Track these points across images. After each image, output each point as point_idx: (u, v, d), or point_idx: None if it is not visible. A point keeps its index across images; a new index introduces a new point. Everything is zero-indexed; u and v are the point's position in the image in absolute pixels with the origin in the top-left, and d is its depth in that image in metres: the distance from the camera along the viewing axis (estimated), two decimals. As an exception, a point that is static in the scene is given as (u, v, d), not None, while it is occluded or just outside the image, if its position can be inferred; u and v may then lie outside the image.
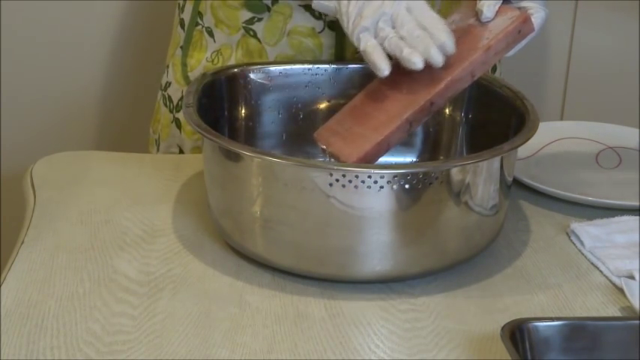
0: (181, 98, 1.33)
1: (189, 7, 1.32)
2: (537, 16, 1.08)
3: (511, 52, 1.08)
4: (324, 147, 1.08)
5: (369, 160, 1.04)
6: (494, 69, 1.35)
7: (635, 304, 0.98)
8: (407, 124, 1.05)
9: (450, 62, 1.04)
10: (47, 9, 1.68)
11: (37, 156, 1.27)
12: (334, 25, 1.24)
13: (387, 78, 1.09)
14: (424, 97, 1.04)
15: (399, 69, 1.09)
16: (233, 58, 1.28)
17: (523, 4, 1.09)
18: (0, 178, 1.75)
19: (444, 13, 1.26)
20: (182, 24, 1.34)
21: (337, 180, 0.96)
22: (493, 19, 1.07)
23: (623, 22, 1.69)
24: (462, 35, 1.07)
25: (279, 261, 1.02)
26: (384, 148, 1.05)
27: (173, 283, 1.01)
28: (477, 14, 1.08)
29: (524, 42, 1.08)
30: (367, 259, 1.00)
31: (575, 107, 1.75)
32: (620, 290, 1.01)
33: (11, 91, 1.72)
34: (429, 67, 1.05)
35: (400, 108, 1.05)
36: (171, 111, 1.36)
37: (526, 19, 1.05)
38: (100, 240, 1.08)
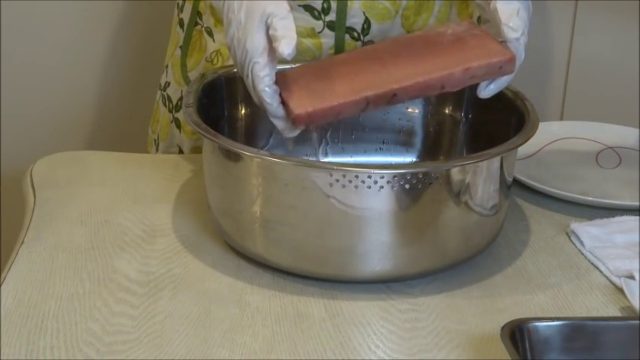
0: (181, 98, 1.33)
1: (188, 7, 1.32)
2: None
3: (486, 94, 1.08)
4: (280, 90, 1.04)
5: (312, 119, 1.02)
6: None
7: (635, 304, 0.98)
8: (364, 102, 1.03)
9: (428, 67, 1.05)
10: (47, 9, 1.68)
11: (37, 156, 1.27)
12: (334, 26, 1.24)
13: (361, 56, 1.09)
14: (390, 85, 1.03)
15: (375, 52, 1.09)
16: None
17: (511, 35, 1.07)
18: (0, 178, 1.75)
19: (443, 13, 1.27)
20: (181, 24, 1.34)
21: (337, 180, 0.96)
22: (484, 45, 1.07)
23: (623, 23, 1.69)
24: (450, 46, 1.07)
25: (279, 261, 1.02)
26: (332, 114, 1.02)
27: (173, 283, 1.01)
28: (478, 26, 1.09)
29: (502, 82, 1.07)
30: (367, 259, 1.00)
31: (575, 107, 1.75)
32: (620, 290, 1.02)
33: (11, 92, 1.72)
34: (406, 63, 1.05)
35: (364, 85, 1.04)
36: (170, 111, 1.36)
37: (511, 59, 1.05)
38: (100, 240, 1.08)
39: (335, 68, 1.08)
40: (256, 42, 1.01)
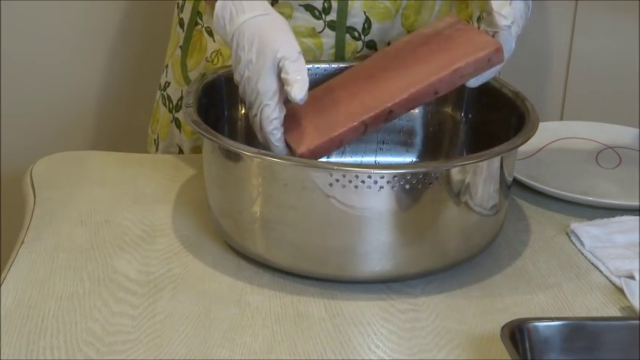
0: (181, 98, 1.33)
1: (188, 7, 1.32)
2: (505, 48, 1.08)
3: (475, 83, 1.09)
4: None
5: (318, 153, 1.04)
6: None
7: (635, 304, 0.98)
8: (362, 126, 1.05)
9: (418, 75, 1.05)
10: (47, 9, 1.68)
11: (37, 156, 1.27)
12: (334, 25, 1.24)
13: (353, 77, 1.11)
14: (384, 104, 1.05)
15: (365, 70, 1.09)
16: (233, 58, 1.28)
17: (502, 22, 1.08)
18: (0, 178, 1.75)
19: (443, 13, 1.27)
20: (181, 24, 1.34)
21: (337, 180, 0.96)
22: (469, 39, 1.07)
23: (623, 23, 1.69)
24: (435, 49, 1.08)
25: (279, 261, 1.02)
26: (335, 144, 1.05)
27: (173, 283, 1.01)
28: (471, 20, 1.09)
29: (491, 72, 1.09)
30: (367, 259, 0.99)
31: (575, 107, 1.75)
32: (620, 290, 1.01)
33: (11, 92, 1.72)
34: (396, 75, 1.06)
35: (359, 109, 1.06)
36: (170, 111, 1.36)
37: (498, 50, 1.06)
38: (100, 240, 1.08)
39: (329, 96, 1.09)
40: (268, 84, 1.02)
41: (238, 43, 1.04)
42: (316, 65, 1.19)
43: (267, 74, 1.02)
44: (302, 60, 1.02)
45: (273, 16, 1.05)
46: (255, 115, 1.04)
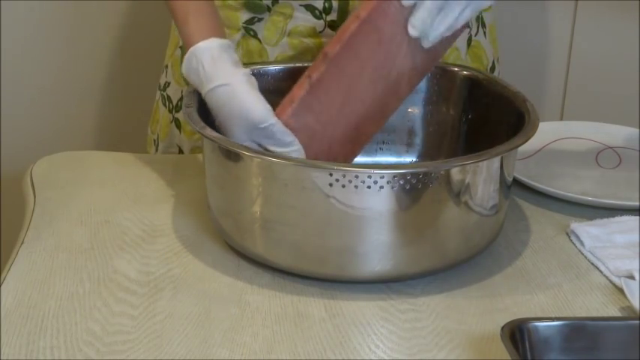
0: (181, 98, 1.33)
1: (188, 7, 1.32)
2: None
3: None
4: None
5: (290, 125, 1.05)
6: (493, 69, 1.35)
7: (635, 304, 0.98)
8: (306, 79, 1.05)
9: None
10: (47, 9, 1.68)
11: (37, 156, 1.27)
12: (335, 25, 1.24)
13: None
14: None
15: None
16: (233, 58, 1.28)
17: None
18: (0, 178, 1.75)
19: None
20: (182, 24, 1.34)
21: (337, 180, 0.96)
22: None
23: (623, 22, 1.69)
24: None
25: (279, 261, 1.02)
26: (291, 103, 1.05)
27: (173, 283, 1.01)
28: None
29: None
30: (367, 259, 1.00)
31: (575, 107, 1.75)
32: (620, 290, 1.02)
33: (11, 91, 1.72)
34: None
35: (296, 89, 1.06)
36: (170, 111, 1.36)
37: None
38: (100, 240, 1.08)
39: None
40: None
41: (210, 106, 1.06)
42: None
43: (239, 142, 1.03)
44: (273, 122, 1.02)
45: (232, 86, 1.04)
46: None
